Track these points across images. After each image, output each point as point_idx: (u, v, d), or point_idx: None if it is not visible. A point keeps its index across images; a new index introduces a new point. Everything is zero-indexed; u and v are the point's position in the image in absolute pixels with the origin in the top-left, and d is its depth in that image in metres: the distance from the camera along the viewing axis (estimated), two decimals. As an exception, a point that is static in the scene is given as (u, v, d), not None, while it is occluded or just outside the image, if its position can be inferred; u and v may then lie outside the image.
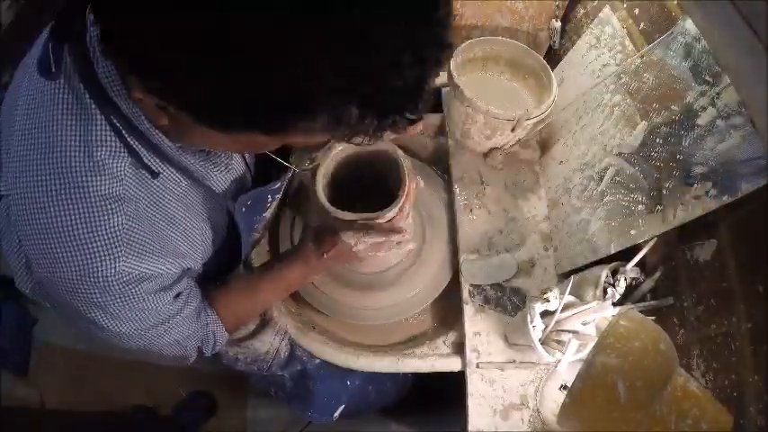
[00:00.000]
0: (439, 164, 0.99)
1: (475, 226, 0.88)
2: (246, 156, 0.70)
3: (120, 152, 0.48)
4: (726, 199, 0.54)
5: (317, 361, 0.82)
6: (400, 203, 0.68)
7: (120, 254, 0.49)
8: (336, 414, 0.86)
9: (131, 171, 0.50)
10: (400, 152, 0.71)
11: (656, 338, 0.52)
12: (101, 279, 0.49)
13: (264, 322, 0.82)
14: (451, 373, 0.79)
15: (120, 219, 0.49)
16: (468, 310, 0.80)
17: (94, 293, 0.50)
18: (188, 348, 0.65)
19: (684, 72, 0.63)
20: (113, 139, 0.48)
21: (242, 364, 0.82)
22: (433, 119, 1.01)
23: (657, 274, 0.70)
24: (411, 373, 0.93)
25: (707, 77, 0.59)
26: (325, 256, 0.70)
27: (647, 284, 0.71)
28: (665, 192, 0.64)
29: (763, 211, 0.52)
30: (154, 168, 0.51)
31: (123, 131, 0.48)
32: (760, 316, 0.52)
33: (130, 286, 0.51)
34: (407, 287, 0.83)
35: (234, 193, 0.66)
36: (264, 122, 0.37)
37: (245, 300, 0.74)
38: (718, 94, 0.57)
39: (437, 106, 1.01)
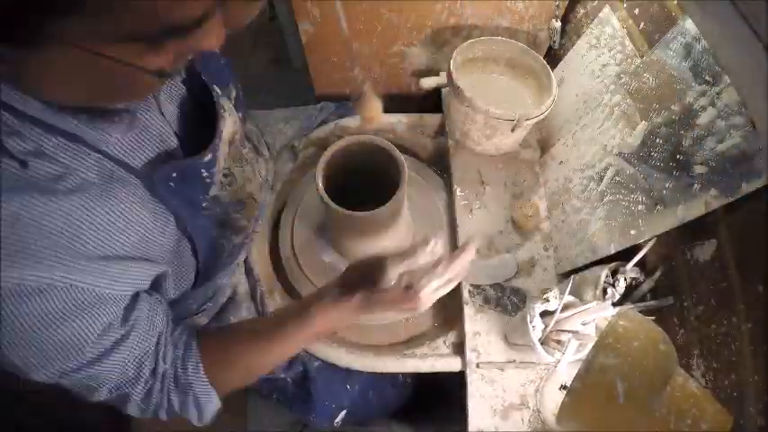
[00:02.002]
0: (439, 164, 1.00)
1: (475, 226, 0.88)
2: (164, 110, 0.57)
3: None
4: (726, 199, 0.54)
5: (318, 363, 0.82)
6: (395, 200, 0.68)
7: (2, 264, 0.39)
8: (338, 420, 0.86)
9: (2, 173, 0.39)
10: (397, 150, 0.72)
11: (655, 338, 0.52)
12: None
13: None
14: (452, 374, 0.79)
15: None
16: (468, 310, 0.80)
17: None
18: (142, 409, 0.53)
19: (684, 72, 0.63)
20: None
21: None
22: (432, 119, 1.02)
23: (657, 274, 0.70)
24: (411, 378, 0.93)
25: (707, 77, 0.59)
26: (382, 308, 0.58)
27: (647, 284, 0.71)
28: (665, 192, 0.64)
29: (763, 211, 0.52)
30: (19, 156, 0.41)
31: None
32: (760, 316, 0.52)
33: (28, 301, 0.41)
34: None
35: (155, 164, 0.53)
36: None
37: (252, 357, 0.59)
38: (718, 94, 0.57)
39: (437, 106, 1.01)
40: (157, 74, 0.38)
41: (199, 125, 0.62)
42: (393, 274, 0.58)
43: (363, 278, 0.59)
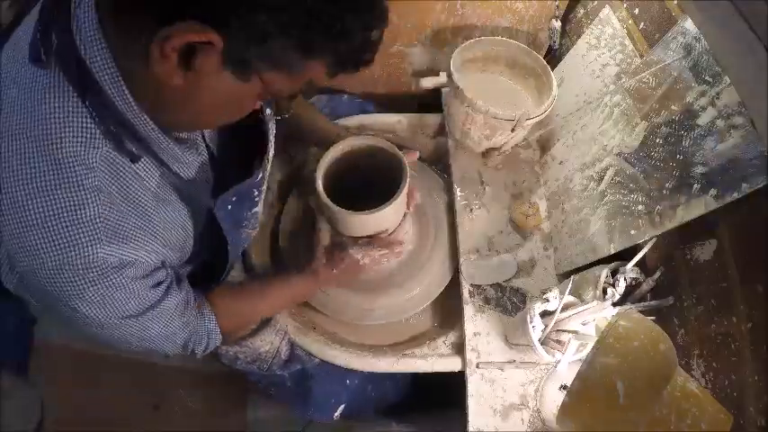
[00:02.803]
0: (439, 164, 0.99)
1: (475, 226, 0.88)
2: (209, 142, 0.66)
3: (93, 142, 0.48)
4: (726, 199, 0.54)
5: (317, 361, 0.82)
6: (398, 199, 0.68)
7: (97, 240, 0.49)
8: (337, 414, 0.86)
9: (103, 162, 0.49)
10: (399, 151, 0.72)
11: (655, 338, 0.52)
12: (80, 266, 0.49)
13: (265, 321, 0.82)
14: (452, 373, 0.79)
15: (95, 208, 0.49)
16: (468, 310, 0.80)
17: (74, 281, 0.50)
18: (175, 342, 0.64)
19: (684, 72, 0.63)
20: (88, 127, 0.47)
21: (242, 363, 0.82)
22: (432, 119, 1.02)
23: (657, 274, 0.70)
24: (410, 374, 0.93)
25: (707, 77, 0.59)
26: (334, 270, 0.76)
27: (647, 284, 0.71)
28: (665, 191, 0.64)
29: (763, 211, 0.52)
30: (136, 152, 0.51)
31: (105, 118, 0.48)
32: (760, 316, 0.52)
33: (109, 272, 0.52)
34: (407, 287, 0.83)
35: (201, 183, 0.64)
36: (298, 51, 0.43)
37: (248, 304, 0.74)
38: (718, 94, 0.57)
39: (437, 106, 1.01)
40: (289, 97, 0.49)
41: (231, 148, 0.69)
42: (354, 253, 0.76)
43: (327, 255, 0.77)
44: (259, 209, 0.73)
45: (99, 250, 0.49)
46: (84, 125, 0.47)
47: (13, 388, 1.22)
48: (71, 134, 0.47)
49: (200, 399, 1.35)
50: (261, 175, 0.69)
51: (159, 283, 0.59)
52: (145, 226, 0.55)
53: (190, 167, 0.60)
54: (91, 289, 0.51)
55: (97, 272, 0.51)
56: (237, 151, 0.70)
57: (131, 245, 0.53)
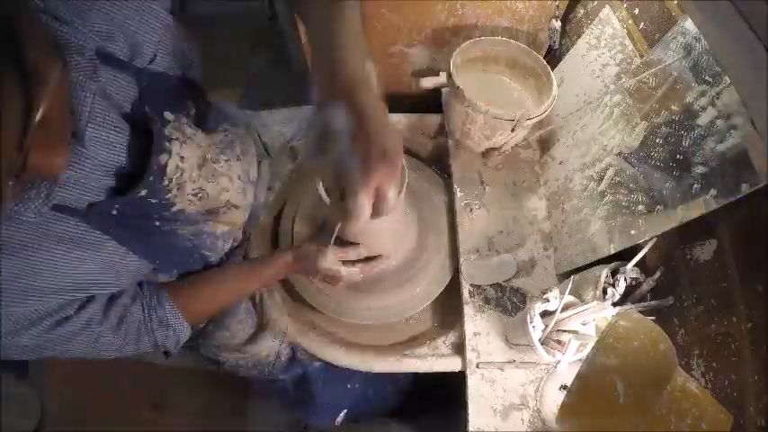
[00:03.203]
0: (439, 164, 0.99)
1: (475, 226, 0.88)
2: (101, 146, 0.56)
3: None
4: (726, 199, 0.54)
5: (318, 364, 0.82)
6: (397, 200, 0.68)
7: None
8: (339, 419, 0.86)
9: None
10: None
11: (655, 338, 0.52)
12: None
13: (262, 326, 0.82)
14: (452, 374, 0.79)
15: None
16: (468, 310, 0.80)
17: None
18: (120, 351, 0.66)
19: (684, 72, 0.63)
20: None
21: (244, 369, 0.82)
22: (432, 119, 1.02)
23: (657, 274, 0.70)
24: (411, 376, 0.93)
25: (707, 77, 0.59)
26: (300, 265, 0.76)
27: (647, 284, 0.71)
28: (665, 192, 0.64)
29: (763, 211, 0.52)
30: None
31: None
32: (760, 316, 0.52)
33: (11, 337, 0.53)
34: (407, 287, 0.83)
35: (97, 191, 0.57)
36: None
37: (211, 292, 0.75)
38: (718, 94, 0.57)
39: (437, 106, 1.01)
40: None
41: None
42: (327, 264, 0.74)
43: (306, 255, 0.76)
44: (186, 207, 0.65)
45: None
46: None
47: (13, 388, 1.22)
48: None
49: (200, 399, 1.35)
50: (145, 191, 0.58)
51: (89, 322, 0.60)
52: (21, 275, 0.52)
53: (76, 194, 0.54)
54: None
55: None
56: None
57: (22, 299, 0.52)
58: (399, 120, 1.01)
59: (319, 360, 0.82)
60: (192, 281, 0.75)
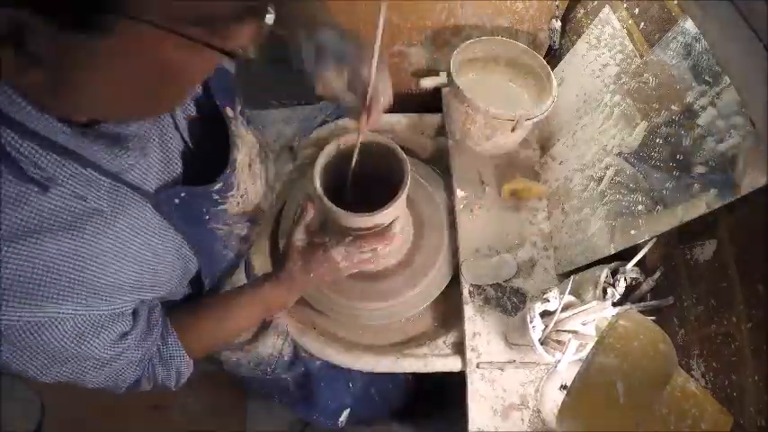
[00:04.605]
0: (439, 164, 0.99)
1: (475, 226, 0.88)
2: (180, 126, 0.58)
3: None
4: (726, 199, 0.54)
5: (320, 363, 0.82)
6: (399, 200, 0.68)
7: (7, 304, 0.41)
8: (342, 419, 0.85)
9: (14, 202, 0.40)
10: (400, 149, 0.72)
11: (655, 338, 0.52)
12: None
13: (265, 325, 0.82)
14: (452, 374, 0.79)
15: (8, 263, 0.40)
16: (468, 310, 0.80)
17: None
18: (122, 383, 0.57)
19: (684, 72, 0.63)
20: None
21: (245, 369, 0.82)
22: (432, 119, 1.02)
23: (657, 274, 0.70)
24: (413, 375, 0.93)
25: (707, 77, 0.59)
26: (311, 275, 0.67)
27: (647, 284, 0.71)
28: (665, 192, 0.64)
29: (763, 211, 0.52)
30: (42, 181, 0.41)
31: (7, 148, 0.39)
32: (760, 316, 0.52)
33: (34, 336, 0.43)
34: (407, 287, 0.83)
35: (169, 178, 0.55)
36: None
37: (214, 326, 0.67)
38: (718, 94, 0.57)
39: (437, 106, 1.01)
40: (229, 54, 0.36)
41: (210, 141, 0.62)
42: (336, 254, 0.67)
43: (303, 256, 0.68)
44: (230, 209, 0.65)
45: (8, 315, 0.41)
46: None
47: (13, 388, 1.22)
48: None
49: (200, 399, 1.35)
50: (221, 185, 0.60)
51: (124, 335, 0.52)
52: (89, 268, 0.45)
53: (142, 171, 0.51)
54: (17, 353, 0.44)
55: (18, 337, 0.43)
56: (213, 150, 0.63)
57: (53, 304, 0.43)
58: (399, 120, 1.01)
59: (320, 359, 0.82)
60: (190, 311, 0.66)
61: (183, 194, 0.55)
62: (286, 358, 0.82)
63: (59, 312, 0.44)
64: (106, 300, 0.48)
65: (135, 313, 0.55)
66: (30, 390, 1.29)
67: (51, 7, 0.30)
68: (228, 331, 0.70)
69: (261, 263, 0.88)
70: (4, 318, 0.41)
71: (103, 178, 0.46)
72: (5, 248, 0.40)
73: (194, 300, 0.68)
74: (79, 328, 0.47)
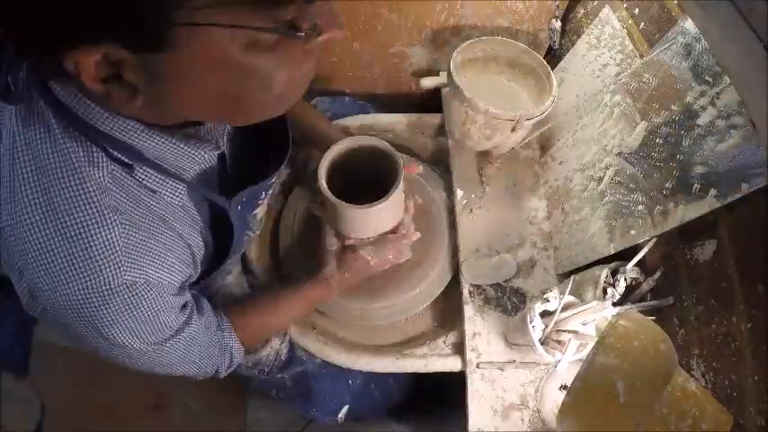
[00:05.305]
0: (439, 164, 0.99)
1: (475, 226, 0.88)
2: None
3: (97, 161, 0.46)
4: (726, 199, 0.54)
5: (318, 361, 0.82)
6: (391, 197, 0.68)
7: (120, 264, 0.47)
8: (341, 415, 0.85)
9: (113, 180, 0.48)
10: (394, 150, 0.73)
11: (655, 338, 0.52)
12: (105, 292, 0.47)
13: None
14: (452, 374, 0.79)
15: (115, 229, 0.47)
16: (468, 310, 0.80)
17: (100, 308, 0.48)
18: (202, 366, 0.64)
19: (684, 72, 0.63)
20: (87, 149, 0.46)
21: (243, 368, 0.82)
22: (432, 119, 1.01)
23: (657, 274, 0.70)
24: (411, 374, 0.92)
25: (707, 77, 0.59)
26: (347, 274, 0.75)
27: (647, 284, 0.71)
28: (665, 191, 0.64)
29: (763, 211, 0.52)
30: (129, 161, 0.49)
31: (97, 139, 0.46)
32: (760, 316, 0.52)
33: (135, 296, 0.50)
34: (407, 287, 0.83)
35: (205, 184, 0.61)
36: None
37: (263, 319, 0.74)
38: (718, 94, 0.57)
39: (437, 106, 1.01)
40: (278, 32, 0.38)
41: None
42: (365, 254, 0.75)
43: (338, 259, 0.76)
44: (260, 211, 0.72)
45: (123, 274, 0.48)
46: (83, 148, 0.46)
47: (13, 388, 1.22)
48: (74, 158, 0.45)
49: (200, 399, 1.35)
50: (274, 178, 0.67)
51: (185, 305, 0.58)
52: (166, 244, 0.53)
53: (198, 166, 0.57)
54: (117, 315, 0.49)
55: (124, 296, 0.49)
56: (250, 149, 0.68)
57: (155, 266, 0.51)
58: (399, 120, 1.01)
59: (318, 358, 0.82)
60: (239, 309, 0.72)
61: (244, 200, 0.62)
62: (283, 358, 0.82)
63: (157, 275, 0.51)
64: (176, 269, 0.55)
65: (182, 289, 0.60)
66: (30, 390, 1.29)
67: (125, 34, 0.34)
68: (273, 326, 0.79)
69: (261, 265, 0.88)
70: (125, 276, 0.48)
71: (176, 180, 0.54)
72: (111, 219, 0.47)
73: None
74: (167, 292, 0.54)
